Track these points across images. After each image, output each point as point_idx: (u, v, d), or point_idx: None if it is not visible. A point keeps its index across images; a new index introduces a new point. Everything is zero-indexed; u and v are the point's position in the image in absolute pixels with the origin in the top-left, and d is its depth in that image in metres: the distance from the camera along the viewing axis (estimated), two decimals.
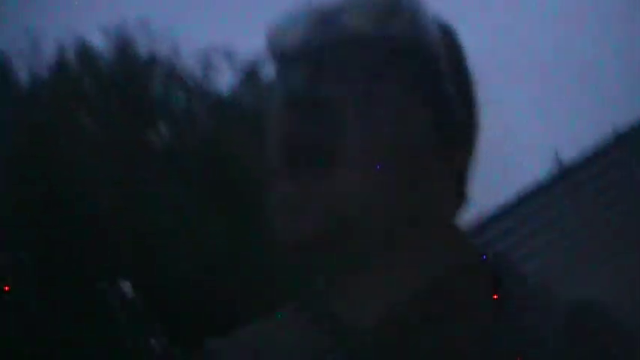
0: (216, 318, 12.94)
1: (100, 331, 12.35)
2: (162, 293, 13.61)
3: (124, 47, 15.26)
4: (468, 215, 0.77)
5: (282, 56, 0.70)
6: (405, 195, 0.67)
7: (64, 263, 12.41)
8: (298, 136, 0.66)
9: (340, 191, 0.64)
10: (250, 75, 15.88)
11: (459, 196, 0.74)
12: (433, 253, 0.70)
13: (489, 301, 0.69)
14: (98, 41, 15.73)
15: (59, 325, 11.96)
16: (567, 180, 7.96)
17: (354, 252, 0.67)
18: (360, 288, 0.70)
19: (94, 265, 13.36)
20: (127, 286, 14.13)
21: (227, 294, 12.75)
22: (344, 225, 0.65)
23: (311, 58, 0.67)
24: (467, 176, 0.74)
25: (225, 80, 15.42)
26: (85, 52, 15.08)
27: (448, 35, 0.73)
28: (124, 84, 14.70)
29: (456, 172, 0.72)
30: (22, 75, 14.70)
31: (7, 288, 11.75)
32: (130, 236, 12.91)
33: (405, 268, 0.69)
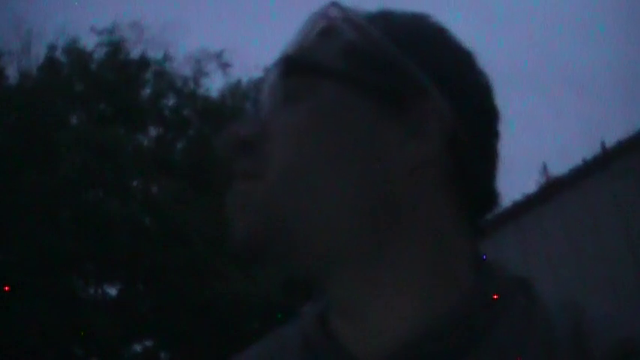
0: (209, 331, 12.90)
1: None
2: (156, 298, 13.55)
3: (115, 49, 15.23)
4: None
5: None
6: (358, 206, 0.61)
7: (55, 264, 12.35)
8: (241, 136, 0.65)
9: (267, 192, 0.61)
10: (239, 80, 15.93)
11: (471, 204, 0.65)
12: (449, 275, 0.62)
13: (516, 332, 0.60)
14: (90, 41, 15.73)
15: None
16: (555, 194, 8.00)
17: (294, 256, 0.62)
18: (367, 315, 0.62)
19: (82, 268, 13.29)
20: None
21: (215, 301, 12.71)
22: (274, 227, 0.61)
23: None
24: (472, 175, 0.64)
25: (215, 84, 15.44)
26: (76, 51, 15.03)
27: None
28: (114, 85, 14.66)
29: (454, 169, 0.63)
30: (12, 73, 14.67)
31: (7, 288, 11.68)
32: (124, 239, 12.83)
33: (417, 294, 0.61)
